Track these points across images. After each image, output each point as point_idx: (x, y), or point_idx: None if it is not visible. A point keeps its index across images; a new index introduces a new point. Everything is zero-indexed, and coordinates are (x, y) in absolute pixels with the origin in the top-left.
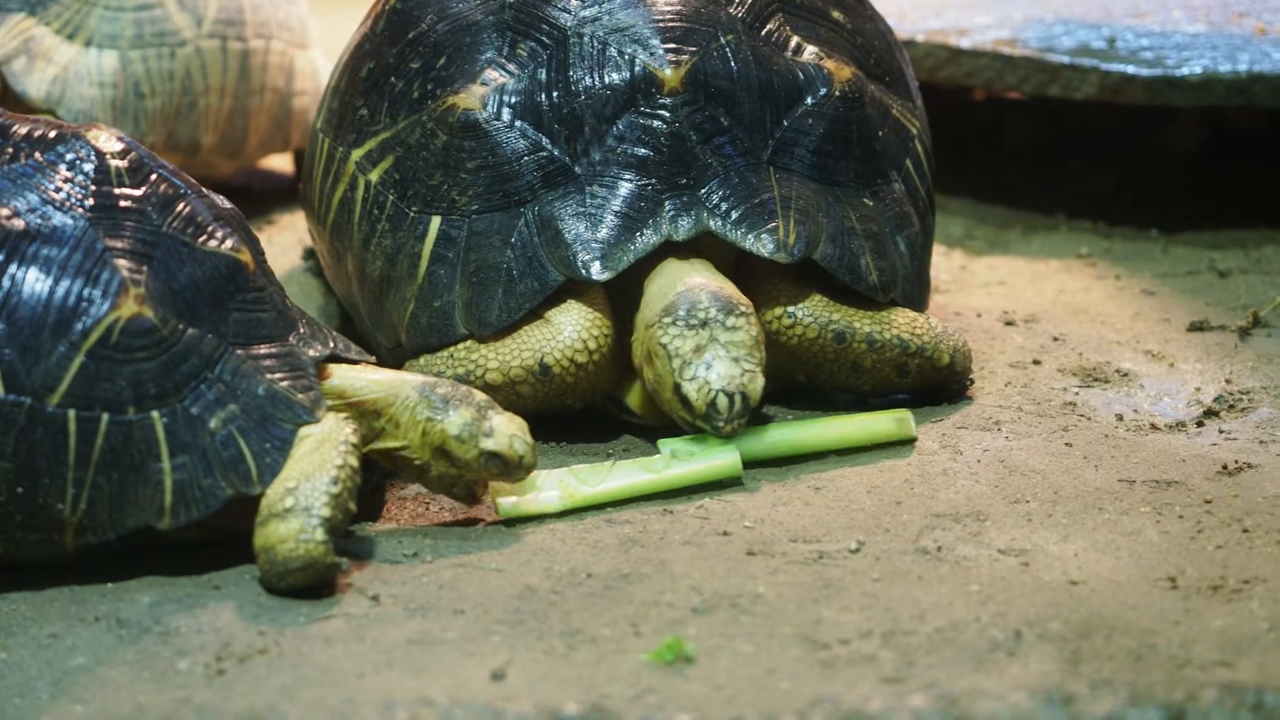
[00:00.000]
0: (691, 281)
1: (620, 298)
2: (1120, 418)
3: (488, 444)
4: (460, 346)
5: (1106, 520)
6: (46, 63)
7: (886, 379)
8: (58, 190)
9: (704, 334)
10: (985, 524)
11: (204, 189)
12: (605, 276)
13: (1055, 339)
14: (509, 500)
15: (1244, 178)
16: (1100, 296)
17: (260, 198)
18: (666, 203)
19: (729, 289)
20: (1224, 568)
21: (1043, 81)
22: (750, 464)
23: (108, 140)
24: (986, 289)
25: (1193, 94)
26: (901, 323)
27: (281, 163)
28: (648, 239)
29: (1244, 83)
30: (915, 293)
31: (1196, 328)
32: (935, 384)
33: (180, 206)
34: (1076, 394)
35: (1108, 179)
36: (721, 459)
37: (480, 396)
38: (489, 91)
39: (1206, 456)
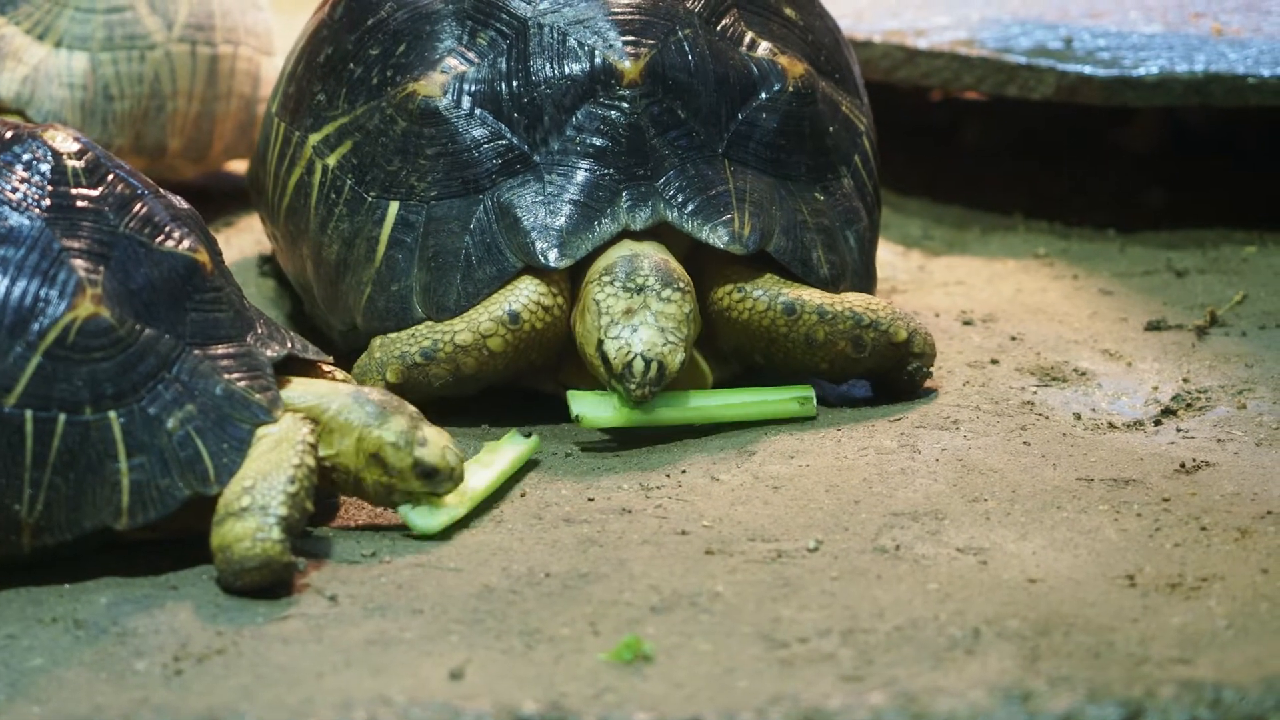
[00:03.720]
0: (636, 249)
1: (577, 285)
2: (1078, 417)
3: (421, 453)
4: (422, 325)
5: (1065, 518)
6: (16, 62)
7: (843, 354)
8: (14, 190)
9: (637, 299)
10: (944, 523)
11: (161, 189)
12: (564, 264)
13: (1013, 338)
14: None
15: (1200, 177)
16: (1058, 296)
17: (219, 200)
18: (624, 193)
19: (672, 263)
20: (1182, 565)
21: (1000, 82)
22: (660, 430)
23: (64, 140)
24: (944, 289)
25: (1149, 94)
26: (854, 299)
27: (240, 165)
28: (605, 228)
29: (1200, 83)
30: (863, 287)
31: (1154, 327)
32: (895, 364)
33: (137, 207)
34: (1034, 393)
35: (1065, 179)
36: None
37: (411, 408)
38: (449, 79)
39: (1164, 455)
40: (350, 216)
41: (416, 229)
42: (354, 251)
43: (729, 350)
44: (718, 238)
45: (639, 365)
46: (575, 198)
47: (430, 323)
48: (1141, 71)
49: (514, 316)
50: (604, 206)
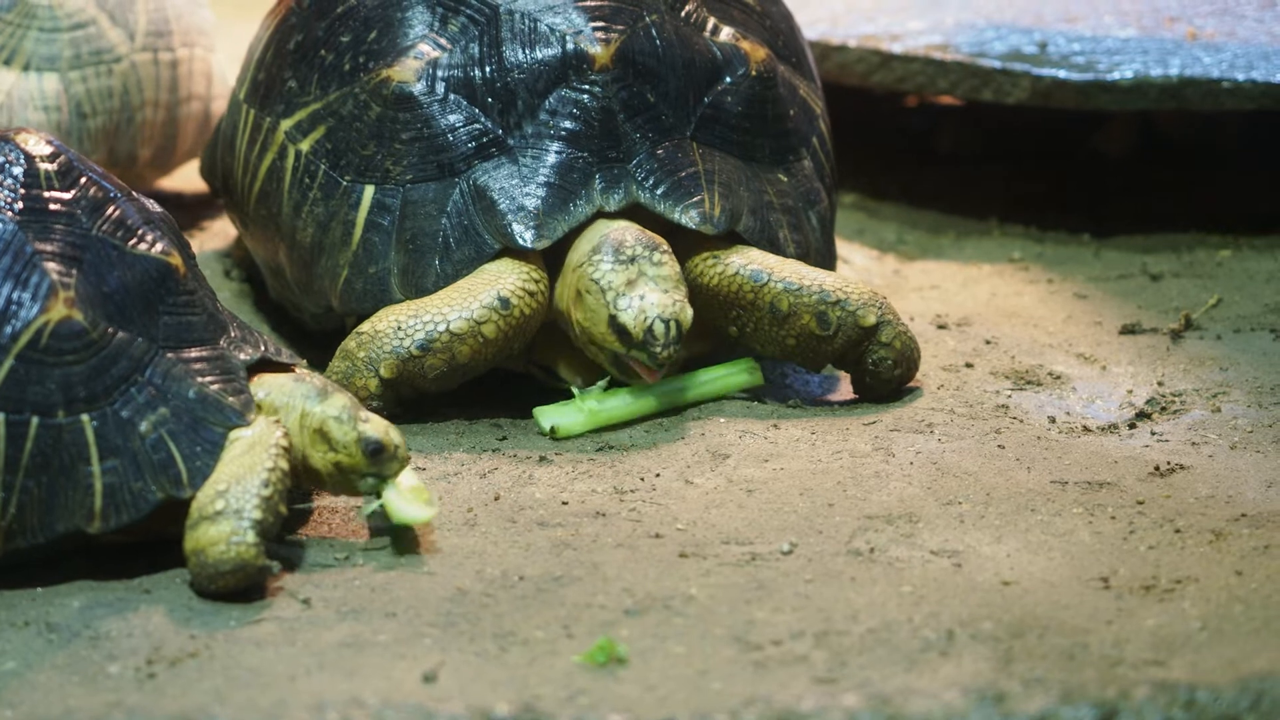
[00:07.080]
0: (614, 226)
1: (550, 266)
2: (1052, 420)
3: (365, 429)
4: (405, 314)
5: (1039, 521)
6: None
7: (808, 331)
8: None
9: (633, 269)
10: (918, 525)
11: (134, 193)
12: (541, 245)
13: (988, 342)
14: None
15: (1175, 182)
16: (1032, 300)
17: (191, 205)
18: (597, 175)
19: (649, 232)
20: (1156, 567)
21: (975, 86)
22: (628, 423)
23: (37, 144)
24: (919, 293)
25: (1124, 98)
26: (825, 276)
27: None
28: (581, 209)
29: (1175, 87)
30: (826, 265)
31: (1128, 331)
32: (862, 349)
33: (110, 210)
34: (1009, 396)
35: (1040, 184)
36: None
37: (349, 394)
38: (422, 65)
39: (1138, 458)
40: (325, 200)
41: (393, 212)
42: (329, 235)
43: (705, 322)
44: (689, 218)
45: (659, 327)
46: (550, 180)
47: (409, 312)
48: (1116, 76)
49: (505, 302)
50: (578, 188)
